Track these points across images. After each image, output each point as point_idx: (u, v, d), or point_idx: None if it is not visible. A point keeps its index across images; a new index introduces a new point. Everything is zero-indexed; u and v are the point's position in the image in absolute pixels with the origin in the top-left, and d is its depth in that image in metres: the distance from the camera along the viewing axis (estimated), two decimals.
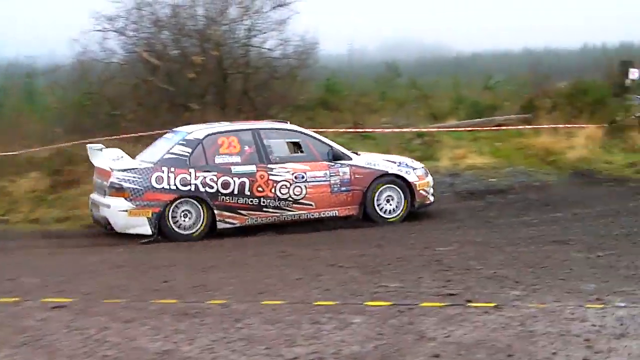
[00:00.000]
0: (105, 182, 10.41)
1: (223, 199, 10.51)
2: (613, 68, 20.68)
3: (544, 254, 7.95)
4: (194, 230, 10.37)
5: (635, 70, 20.23)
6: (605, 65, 21.47)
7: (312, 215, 10.96)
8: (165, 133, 11.71)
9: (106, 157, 10.48)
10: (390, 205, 11.17)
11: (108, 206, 10.33)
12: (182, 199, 10.35)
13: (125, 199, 10.22)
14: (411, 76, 21.90)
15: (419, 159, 12.62)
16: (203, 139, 10.75)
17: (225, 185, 10.52)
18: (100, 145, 10.94)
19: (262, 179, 10.72)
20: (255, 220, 10.67)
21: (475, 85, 21.46)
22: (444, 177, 13.54)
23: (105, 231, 10.58)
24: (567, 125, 15.97)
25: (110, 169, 10.33)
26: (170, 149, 10.66)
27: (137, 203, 10.23)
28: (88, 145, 11.14)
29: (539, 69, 21.45)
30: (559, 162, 14.47)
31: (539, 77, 19.77)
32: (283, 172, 10.83)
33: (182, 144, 10.66)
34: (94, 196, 10.92)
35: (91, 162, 10.97)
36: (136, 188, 10.25)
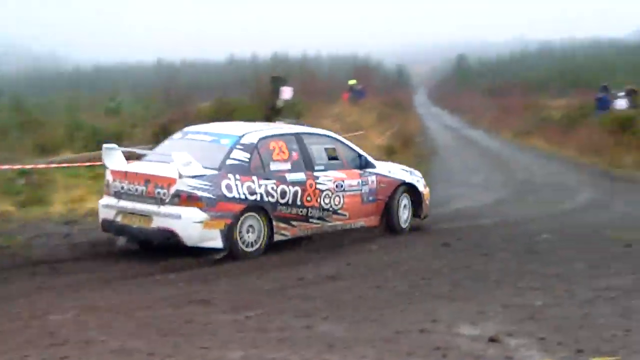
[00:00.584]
0: (162, 189, 11.35)
1: (280, 209, 12.10)
2: (263, 85, 21.96)
3: (184, 317, 8.27)
4: (257, 246, 11.79)
5: (288, 88, 21.72)
6: (254, 81, 22.70)
7: (345, 227, 13.13)
8: None
9: (175, 162, 11.25)
10: (404, 214, 13.94)
11: (177, 217, 11.22)
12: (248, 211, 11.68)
13: (200, 209, 11.24)
14: (16, 94, 21.52)
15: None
16: (257, 143, 12.20)
17: (283, 194, 12.16)
18: (113, 145, 12.27)
19: (310, 187, 12.60)
20: (303, 232, 12.47)
21: (99, 107, 21.64)
22: (58, 226, 13.52)
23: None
24: None
25: (180, 174, 11.21)
26: (230, 153, 11.85)
27: (212, 214, 11.32)
28: (104, 146, 12.29)
29: (177, 85, 22.21)
30: None
31: (176, 96, 20.42)
32: (326, 181, 12.85)
33: (240, 149, 11.96)
34: (129, 204, 11.68)
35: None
36: (210, 197, 11.33)
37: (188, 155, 11.36)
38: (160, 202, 11.37)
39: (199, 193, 11.24)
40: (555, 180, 23.67)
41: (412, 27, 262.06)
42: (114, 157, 12.15)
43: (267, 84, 22.59)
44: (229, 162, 11.73)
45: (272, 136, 12.51)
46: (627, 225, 15.38)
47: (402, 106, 56.41)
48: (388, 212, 13.66)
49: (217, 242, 11.37)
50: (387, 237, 13.11)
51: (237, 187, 11.57)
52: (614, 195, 20.83)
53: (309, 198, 12.46)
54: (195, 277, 10.52)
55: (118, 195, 11.88)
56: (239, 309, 8.60)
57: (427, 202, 14.36)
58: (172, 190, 11.26)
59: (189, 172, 11.25)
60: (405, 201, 13.94)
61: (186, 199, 11.23)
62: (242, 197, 11.60)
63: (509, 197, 19.95)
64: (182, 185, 11.23)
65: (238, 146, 11.94)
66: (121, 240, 12.31)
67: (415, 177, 14.31)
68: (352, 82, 48.76)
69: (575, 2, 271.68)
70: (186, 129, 13.08)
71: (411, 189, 14.09)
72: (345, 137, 14.37)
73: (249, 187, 11.68)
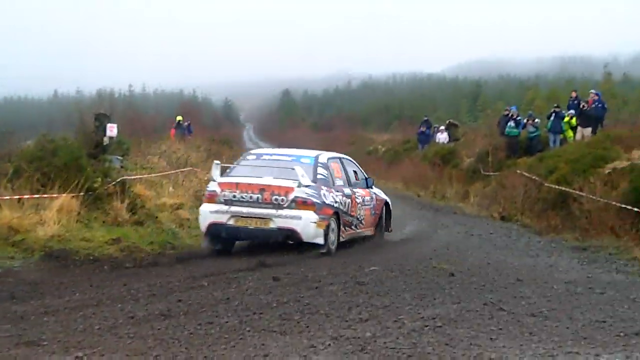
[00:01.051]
0: (279, 196, 14.63)
1: (344, 216, 15.59)
2: (87, 122, 21.60)
3: None
4: (335, 244, 15.35)
5: (113, 125, 21.47)
6: (78, 119, 22.30)
7: (361, 234, 16.96)
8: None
9: (297, 173, 14.68)
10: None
11: (298, 218, 14.58)
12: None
13: (314, 212, 14.65)
14: None
15: None
16: (327, 162, 15.86)
17: (344, 204, 15.70)
18: (218, 161, 15.55)
19: (353, 201, 16.12)
20: (348, 236, 16.04)
21: None
22: None
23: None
24: (34, 196, 16.25)
25: (299, 184, 14.63)
26: (316, 169, 15.31)
27: (320, 216, 14.75)
28: (214, 162, 15.59)
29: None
30: (27, 243, 14.72)
31: None
32: (358, 196, 16.47)
33: (321, 166, 15.50)
34: (243, 209, 14.71)
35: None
36: (319, 202, 14.77)
37: (302, 169, 14.66)
38: (278, 206, 14.53)
39: (313, 199, 14.61)
40: None
41: (239, 64, 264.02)
42: (218, 172, 15.14)
43: (92, 121, 22.22)
44: (318, 176, 15.16)
45: (332, 158, 16.32)
46: (450, 255, 15.91)
47: (231, 142, 56.47)
48: (380, 224, 17.87)
49: (321, 240, 14.76)
50: (217, 274, 13.10)
51: (328, 197, 15.00)
52: (437, 226, 21.49)
53: (353, 209, 16.03)
54: (22, 316, 10.24)
55: (229, 202, 14.78)
56: (69, 349, 8.42)
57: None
58: (291, 196, 14.56)
59: (306, 182, 14.58)
60: (385, 215, 18.08)
61: (302, 203, 14.54)
62: (332, 204, 15.11)
63: None
64: (300, 193, 14.59)
65: (319, 164, 15.46)
66: (206, 243, 15.42)
67: (388, 198, 18.47)
68: (179, 118, 48.56)
69: (396, 39, 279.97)
70: (255, 151, 17.26)
71: (386, 207, 18.21)
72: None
73: (333, 197, 15.18)
